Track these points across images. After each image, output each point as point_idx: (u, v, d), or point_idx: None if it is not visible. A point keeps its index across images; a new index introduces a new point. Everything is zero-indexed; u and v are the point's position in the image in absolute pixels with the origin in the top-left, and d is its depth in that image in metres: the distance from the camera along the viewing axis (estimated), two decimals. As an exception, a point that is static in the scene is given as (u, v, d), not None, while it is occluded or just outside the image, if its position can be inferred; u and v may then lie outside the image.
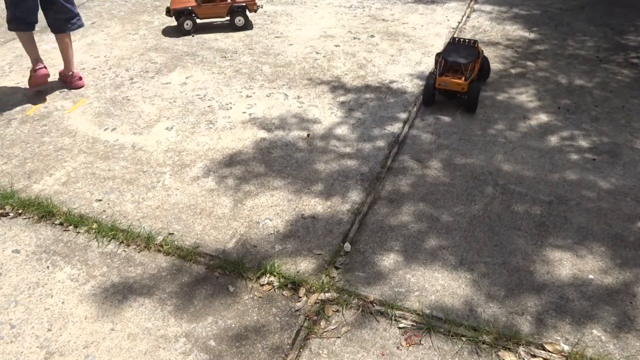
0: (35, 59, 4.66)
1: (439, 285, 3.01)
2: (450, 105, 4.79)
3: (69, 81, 4.98)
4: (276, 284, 3.00)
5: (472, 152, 4.20)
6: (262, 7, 6.94)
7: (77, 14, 4.75)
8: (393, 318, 2.80)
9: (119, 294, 2.94)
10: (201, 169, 3.96)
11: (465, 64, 4.62)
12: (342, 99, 4.92)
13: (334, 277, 3.06)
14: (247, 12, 6.20)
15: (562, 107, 4.85)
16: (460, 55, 4.69)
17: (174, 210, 3.54)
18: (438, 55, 5.05)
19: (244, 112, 4.68)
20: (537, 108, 4.83)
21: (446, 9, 7.07)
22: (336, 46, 5.94)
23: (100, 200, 3.63)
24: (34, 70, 4.65)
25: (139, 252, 3.21)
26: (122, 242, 3.27)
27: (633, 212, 3.59)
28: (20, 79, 5.12)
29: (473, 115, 4.66)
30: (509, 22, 6.74)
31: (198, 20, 6.15)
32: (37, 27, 4.60)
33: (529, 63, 5.67)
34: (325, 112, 4.70)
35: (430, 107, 4.78)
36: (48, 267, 3.09)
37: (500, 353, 2.64)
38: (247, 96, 4.93)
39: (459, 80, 4.55)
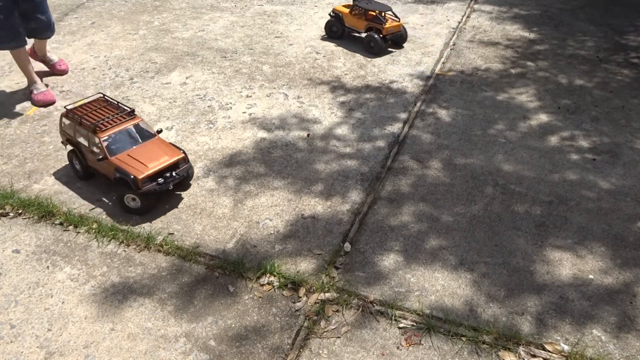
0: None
1: (439, 285, 3.01)
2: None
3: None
4: (276, 284, 3.00)
5: (472, 152, 4.19)
6: (262, 6, 6.93)
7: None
8: (393, 318, 2.80)
9: (119, 294, 2.94)
10: (201, 169, 3.96)
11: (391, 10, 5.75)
12: (342, 99, 4.92)
13: (334, 277, 3.06)
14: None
15: (562, 107, 4.85)
16: (385, 7, 5.70)
17: (174, 210, 3.54)
18: (329, 23, 6.01)
19: (244, 112, 4.68)
20: (537, 108, 4.83)
21: (446, 9, 7.07)
22: (336, 46, 5.93)
23: (100, 200, 3.63)
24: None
25: (139, 252, 3.21)
26: (122, 242, 3.26)
27: (633, 212, 3.58)
28: (20, 78, 5.12)
29: (473, 115, 4.66)
30: (509, 22, 6.74)
31: None
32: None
33: (529, 63, 5.67)
34: (325, 112, 4.70)
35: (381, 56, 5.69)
36: (48, 267, 3.09)
37: (500, 353, 2.64)
38: (247, 96, 4.93)
39: (398, 23, 5.71)
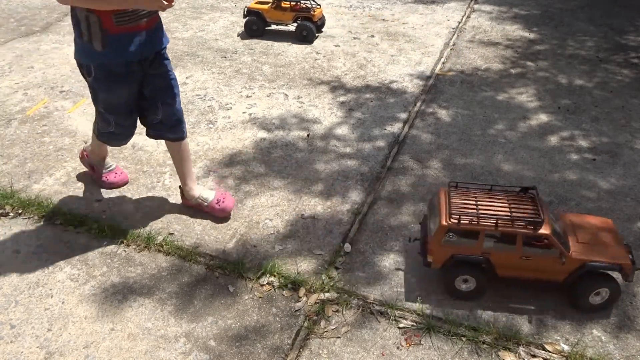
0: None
1: (440, 285, 3.01)
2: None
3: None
4: (276, 284, 3.00)
5: (472, 152, 4.19)
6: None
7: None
8: (393, 318, 2.80)
9: (119, 294, 2.94)
10: (201, 169, 3.96)
11: None
12: (342, 99, 4.92)
13: (334, 277, 3.06)
14: None
15: (562, 107, 4.85)
16: None
17: (174, 210, 3.54)
18: (248, 22, 6.02)
19: (244, 112, 4.68)
20: (537, 108, 4.83)
21: (446, 9, 7.07)
22: (336, 46, 5.94)
23: (100, 200, 3.63)
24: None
25: (139, 252, 3.20)
26: (122, 242, 3.26)
27: (633, 212, 3.58)
28: (20, 79, 5.12)
29: (473, 115, 4.66)
30: (509, 22, 6.74)
31: None
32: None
33: (529, 63, 5.67)
34: (325, 112, 4.70)
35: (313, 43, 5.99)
36: (48, 267, 3.09)
37: (500, 353, 2.63)
38: (247, 96, 4.93)
39: (320, 9, 6.03)
